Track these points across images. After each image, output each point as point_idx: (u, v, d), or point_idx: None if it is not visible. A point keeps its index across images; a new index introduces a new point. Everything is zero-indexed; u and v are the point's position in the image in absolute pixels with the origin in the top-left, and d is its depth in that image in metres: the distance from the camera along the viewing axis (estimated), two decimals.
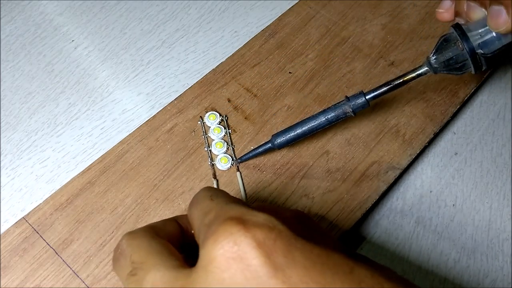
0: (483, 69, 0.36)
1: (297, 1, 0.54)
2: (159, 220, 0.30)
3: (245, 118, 0.46)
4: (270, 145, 0.41)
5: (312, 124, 0.39)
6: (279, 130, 0.45)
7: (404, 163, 0.44)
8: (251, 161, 0.43)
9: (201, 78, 0.48)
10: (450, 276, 0.43)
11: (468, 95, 0.48)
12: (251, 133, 0.45)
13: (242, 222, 0.23)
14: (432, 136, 0.46)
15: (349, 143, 0.45)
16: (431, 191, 0.47)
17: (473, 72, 0.35)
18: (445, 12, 0.39)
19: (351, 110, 0.38)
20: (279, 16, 0.53)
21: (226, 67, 0.48)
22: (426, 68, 0.37)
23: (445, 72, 0.36)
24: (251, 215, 0.24)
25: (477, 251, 0.45)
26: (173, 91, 0.50)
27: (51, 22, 0.55)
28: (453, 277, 0.43)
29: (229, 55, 0.49)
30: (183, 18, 0.56)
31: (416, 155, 0.45)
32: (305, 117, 0.45)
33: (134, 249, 0.26)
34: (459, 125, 0.51)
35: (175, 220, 0.30)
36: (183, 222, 0.31)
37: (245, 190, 0.41)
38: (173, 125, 0.44)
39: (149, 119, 0.45)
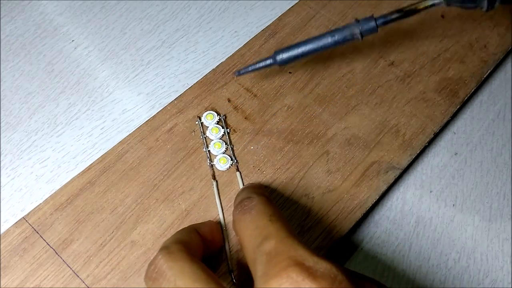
0: (495, 7, 0.34)
1: (297, 1, 0.54)
2: (181, 229, 0.31)
3: (245, 118, 0.46)
4: (271, 60, 0.38)
5: (318, 43, 0.37)
6: (279, 129, 0.45)
7: (404, 163, 0.44)
8: (250, 161, 0.43)
9: (201, 78, 0.48)
10: (450, 276, 0.43)
11: (468, 95, 0.48)
12: (251, 133, 0.45)
13: (306, 270, 0.24)
14: (432, 136, 0.46)
15: (349, 143, 0.45)
16: (431, 191, 0.47)
17: (484, 9, 0.34)
18: None
19: (359, 32, 0.36)
20: (279, 16, 0.53)
21: (226, 67, 0.48)
22: None
23: (457, 5, 0.35)
24: (315, 263, 0.24)
25: (477, 251, 0.45)
26: (173, 91, 0.50)
27: (51, 22, 0.55)
28: (453, 277, 0.43)
29: (229, 55, 0.49)
30: (183, 18, 0.56)
31: (416, 155, 0.45)
32: (305, 119, 0.45)
33: (177, 274, 0.26)
34: (459, 125, 0.51)
35: (196, 231, 0.31)
36: (202, 232, 0.31)
37: None
38: (173, 125, 0.44)
39: (149, 119, 0.45)
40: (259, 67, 0.39)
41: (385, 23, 0.36)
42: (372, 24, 0.36)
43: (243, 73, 0.40)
